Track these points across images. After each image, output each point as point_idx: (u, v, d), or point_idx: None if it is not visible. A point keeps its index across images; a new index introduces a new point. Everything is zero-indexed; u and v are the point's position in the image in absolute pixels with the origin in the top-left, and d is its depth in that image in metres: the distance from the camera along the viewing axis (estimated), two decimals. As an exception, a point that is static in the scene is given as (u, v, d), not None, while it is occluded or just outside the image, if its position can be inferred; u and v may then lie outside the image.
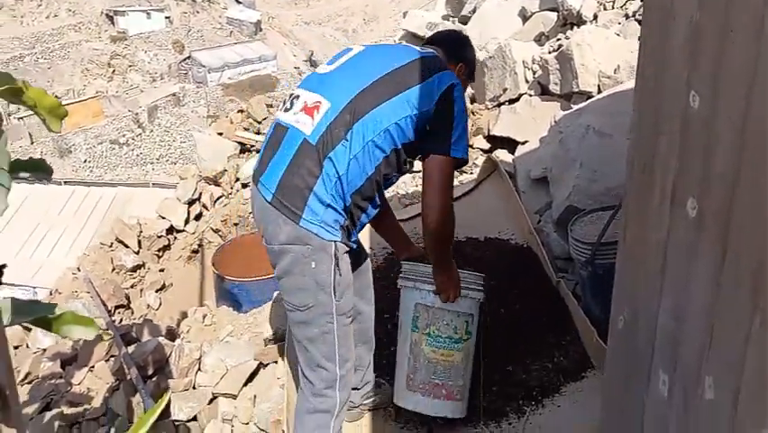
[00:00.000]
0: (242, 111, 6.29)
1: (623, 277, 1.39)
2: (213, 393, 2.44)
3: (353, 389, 1.90)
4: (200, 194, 4.95)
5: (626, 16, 3.88)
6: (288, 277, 1.63)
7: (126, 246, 4.61)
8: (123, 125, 22.79)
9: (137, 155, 22.46)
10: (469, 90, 3.77)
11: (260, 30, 30.68)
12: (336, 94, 1.62)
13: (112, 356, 2.79)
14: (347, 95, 1.61)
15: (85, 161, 21.60)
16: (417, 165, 1.79)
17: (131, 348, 2.78)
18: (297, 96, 1.69)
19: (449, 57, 1.81)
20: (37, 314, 1.06)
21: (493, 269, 2.42)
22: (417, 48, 1.80)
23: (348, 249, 1.67)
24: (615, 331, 1.44)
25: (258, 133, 5.98)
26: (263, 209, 1.63)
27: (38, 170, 1.04)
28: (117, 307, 4.14)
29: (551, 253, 2.74)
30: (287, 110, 1.69)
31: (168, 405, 2.34)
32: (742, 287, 0.92)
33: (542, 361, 2.19)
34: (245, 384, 2.45)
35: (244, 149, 5.95)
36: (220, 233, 4.65)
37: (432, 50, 1.79)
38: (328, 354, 1.66)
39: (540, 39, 4.43)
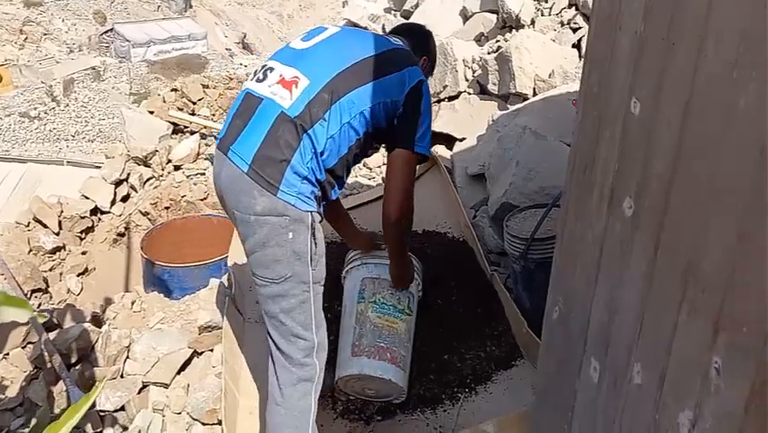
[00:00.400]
0: (175, 90, 6.02)
1: (559, 270, 1.44)
2: (143, 382, 2.35)
3: None
4: (128, 174, 4.71)
5: (562, 23, 4.06)
6: (263, 249, 1.62)
7: (45, 226, 4.29)
8: (34, 97, 21.06)
9: (50, 130, 20.85)
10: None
11: (191, 7, 29.32)
12: (315, 72, 1.65)
13: (29, 343, 2.62)
14: (326, 74, 1.64)
15: (-10, 133, 19.92)
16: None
17: (52, 334, 2.62)
18: (271, 69, 1.70)
19: (414, 49, 1.87)
20: (-31, 294, 0.99)
21: (431, 260, 2.49)
22: (390, 38, 1.86)
23: (321, 218, 1.70)
24: (549, 321, 1.50)
25: (192, 113, 5.75)
26: (235, 179, 1.61)
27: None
28: (34, 291, 3.86)
29: (485, 247, 2.84)
30: (259, 81, 1.69)
31: (92, 394, 2.23)
32: (672, 280, 0.99)
33: (475, 350, 2.27)
34: (178, 373, 2.38)
35: (177, 129, 5.71)
36: (149, 216, 4.44)
37: (401, 43, 1.84)
38: (305, 323, 1.68)
39: (480, 39, 4.54)
